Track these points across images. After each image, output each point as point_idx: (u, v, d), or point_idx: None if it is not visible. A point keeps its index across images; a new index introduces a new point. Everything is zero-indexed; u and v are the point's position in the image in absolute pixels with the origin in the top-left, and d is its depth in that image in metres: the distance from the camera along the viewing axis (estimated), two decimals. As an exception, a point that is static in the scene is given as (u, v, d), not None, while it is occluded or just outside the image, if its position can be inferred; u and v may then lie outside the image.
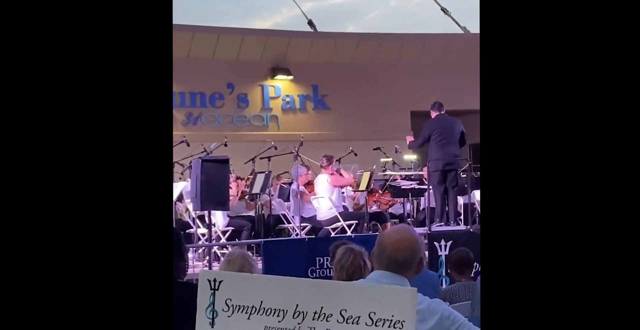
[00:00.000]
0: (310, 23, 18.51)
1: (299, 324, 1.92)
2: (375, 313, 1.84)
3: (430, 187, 9.61)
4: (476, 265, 6.89)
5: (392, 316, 1.84)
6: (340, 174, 10.16)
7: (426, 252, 7.52)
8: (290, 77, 17.17)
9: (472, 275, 5.87)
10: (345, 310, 1.87)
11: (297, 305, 1.92)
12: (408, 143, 10.23)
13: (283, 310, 1.94)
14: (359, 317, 1.87)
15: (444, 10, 18.80)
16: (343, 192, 10.29)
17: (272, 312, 1.95)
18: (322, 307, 1.88)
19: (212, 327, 2.01)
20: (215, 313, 2.01)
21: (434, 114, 9.57)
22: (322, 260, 7.46)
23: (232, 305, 2.00)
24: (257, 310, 1.96)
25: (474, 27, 20.73)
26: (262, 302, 1.96)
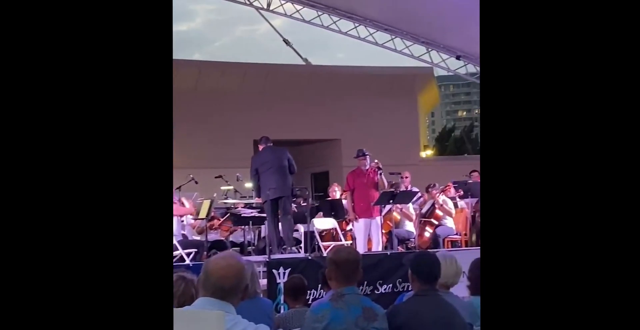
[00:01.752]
0: (153, 49, 18.23)
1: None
2: (182, 337, 1.83)
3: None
4: (312, 292, 7.02)
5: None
6: (182, 204, 10.03)
7: (264, 280, 7.53)
8: (131, 104, 16.79)
9: (309, 302, 5.94)
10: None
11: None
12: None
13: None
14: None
15: (286, 41, 19.15)
16: (182, 220, 10.14)
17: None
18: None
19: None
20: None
21: (260, 148, 9.81)
22: (158, 289, 7.29)
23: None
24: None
25: (315, 59, 21.25)
26: None
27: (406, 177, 11.69)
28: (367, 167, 9.98)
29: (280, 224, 9.54)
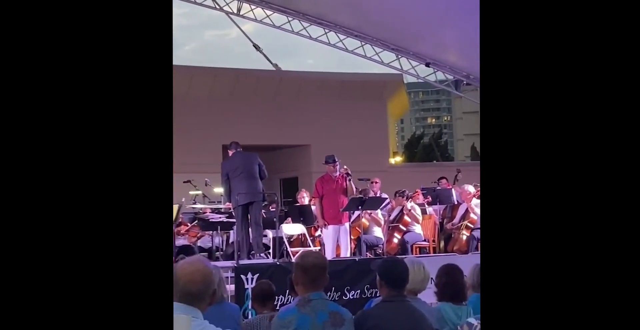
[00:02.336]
0: (122, 53, 18.08)
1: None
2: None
3: (239, 221, 9.68)
4: (280, 298, 6.99)
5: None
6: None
7: (232, 286, 7.49)
8: (99, 107, 16.63)
9: (277, 307, 5.92)
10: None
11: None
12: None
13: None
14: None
15: (256, 46, 19.12)
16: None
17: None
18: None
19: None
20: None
21: (230, 153, 9.80)
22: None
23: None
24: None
25: (285, 64, 21.27)
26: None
27: (376, 182, 11.71)
28: (337, 173, 9.97)
29: (249, 229, 9.53)
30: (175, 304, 2.61)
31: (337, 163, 9.98)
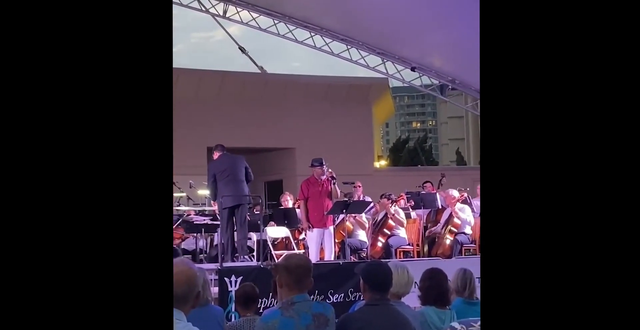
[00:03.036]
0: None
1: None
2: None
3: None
4: (264, 301, 6.99)
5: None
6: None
7: (216, 288, 7.48)
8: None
9: (261, 310, 5.91)
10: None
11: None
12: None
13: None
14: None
15: (241, 49, 19.09)
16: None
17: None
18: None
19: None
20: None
21: (216, 155, 9.80)
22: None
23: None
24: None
25: (271, 67, 21.26)
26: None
27: (359, 186, 11.72)
28: (324, 176, 9.96)
29: (234, 232, 9.52)
30: (159, 306, 2.60)
31: (325, 166, 9.98)
